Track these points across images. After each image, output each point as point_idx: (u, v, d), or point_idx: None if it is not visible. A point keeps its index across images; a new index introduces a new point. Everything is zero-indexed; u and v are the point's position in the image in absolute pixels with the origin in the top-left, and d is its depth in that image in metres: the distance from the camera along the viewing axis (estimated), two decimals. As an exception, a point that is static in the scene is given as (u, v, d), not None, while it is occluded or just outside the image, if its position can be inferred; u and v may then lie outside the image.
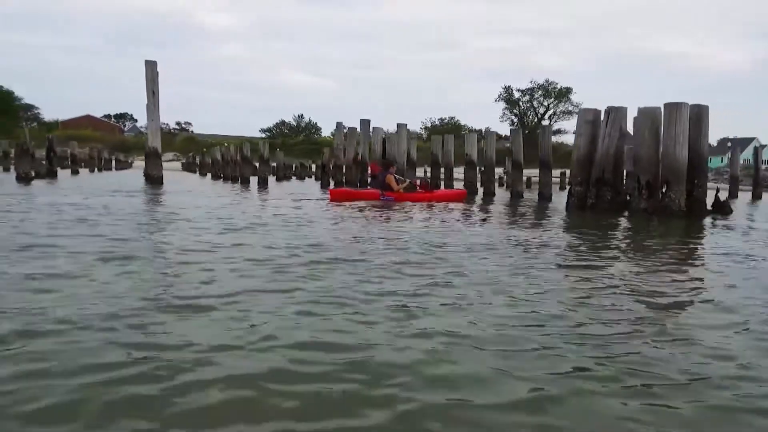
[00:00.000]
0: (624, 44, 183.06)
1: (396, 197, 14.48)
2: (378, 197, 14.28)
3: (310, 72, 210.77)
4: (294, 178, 38.77)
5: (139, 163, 47.77)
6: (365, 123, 25.21)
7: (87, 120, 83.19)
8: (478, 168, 22.95)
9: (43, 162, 25.01)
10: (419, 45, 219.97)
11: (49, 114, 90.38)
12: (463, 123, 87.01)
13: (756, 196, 26.80)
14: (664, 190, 12.20)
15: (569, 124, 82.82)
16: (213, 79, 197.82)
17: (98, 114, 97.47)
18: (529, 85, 71.63)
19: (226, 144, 34.64)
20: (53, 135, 25.40)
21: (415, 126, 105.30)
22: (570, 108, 72.33)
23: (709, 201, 13.19)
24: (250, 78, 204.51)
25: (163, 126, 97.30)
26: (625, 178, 13.72)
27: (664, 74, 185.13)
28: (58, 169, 33.48)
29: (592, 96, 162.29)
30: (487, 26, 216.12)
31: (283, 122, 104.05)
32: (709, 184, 39.12)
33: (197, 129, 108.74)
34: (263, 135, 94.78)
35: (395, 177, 15.51)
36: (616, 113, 13.02)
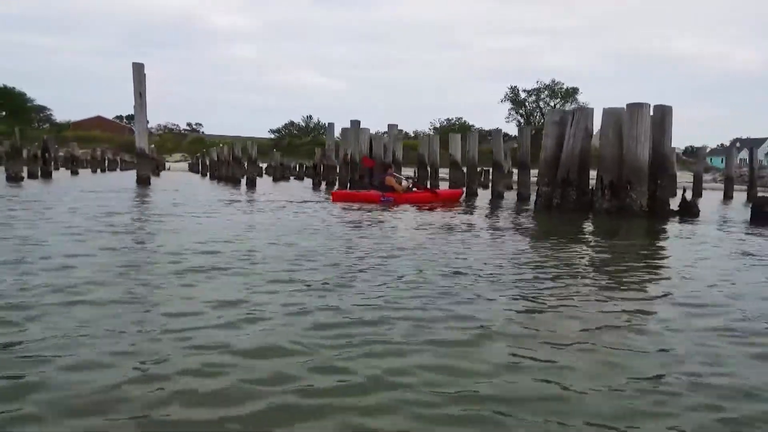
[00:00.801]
0: (634, 44, 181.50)
1: (396, 198, 14.77)
2: (378, 199, 14.58)
3: (323, 73, 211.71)
4: (292, 178, 39.06)
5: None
6: (355, 124, 25.48)
7: (97, 121, 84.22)
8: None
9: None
10: (429, 45, 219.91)
11: (62, 115, 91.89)
12: (471, 123, 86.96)
13: (751, 197, 26.50)
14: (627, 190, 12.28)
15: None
16: (226, 81, 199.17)
17: (110, 115, 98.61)
18: (535, 86, 71.64)
19: (221, 144, 35.00)
20: (48, 136, 25.87)
21: (424, 126, 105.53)
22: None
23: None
24: (262, 79, 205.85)
25: (174, 127, 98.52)
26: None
27: (677, 73, 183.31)
28: (62, 169, 34.15)
29: (601, 96, 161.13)
30: (499, 26, 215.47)
31: (292, 123, 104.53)
32: (714, 185, 37.94)
33: (209, 130, 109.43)
34: (272, 135, 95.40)
35: (395, 177, 15.88)
36: (580, 114, 13.12)
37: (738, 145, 75.34)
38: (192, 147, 75.65)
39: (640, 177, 12.08)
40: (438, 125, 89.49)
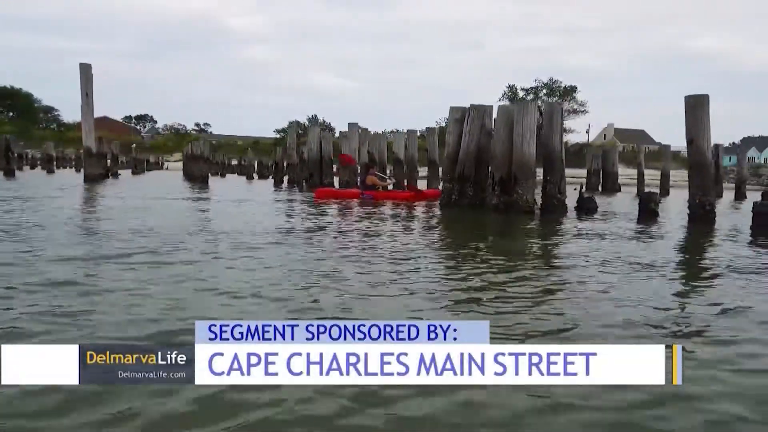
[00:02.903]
0: (642, 43, 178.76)
1: (375, 196, 15.24)
2: (359, 196, 15.13)
3: (337, 74, 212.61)
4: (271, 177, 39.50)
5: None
6: (313, 121, 25.88)
7: (103, 121, 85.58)
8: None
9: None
10: (439, 46, 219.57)
11: (70, 116, 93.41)
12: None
13: (716, 194, 26.22)
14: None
15: (574, 123, 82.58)
16: (237, 81, 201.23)
17: (119, 116, 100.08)
18: (534, 84, 71.07)
19: (189, 143, 35.62)
20: (9, 136, 26.63)
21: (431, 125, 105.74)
22: (575, 107, 71.39)
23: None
24: (273, 80, 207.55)
25: (180, 127, 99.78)
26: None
27: (689, 72, 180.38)
28: (54, 167, 35.03)
29: (608, 96, 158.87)
30: (515, 26, 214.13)
31: (297, 123, 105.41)
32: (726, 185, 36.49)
33: (218, 130, 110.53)
34: (277, 135, 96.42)
35: (377, 175, 16.58)
36: (476, 111, 13.24)
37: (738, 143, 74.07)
38: (193, 147, 76.59)
39: (525, 173, 12.16)
40: (444, 124, 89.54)
